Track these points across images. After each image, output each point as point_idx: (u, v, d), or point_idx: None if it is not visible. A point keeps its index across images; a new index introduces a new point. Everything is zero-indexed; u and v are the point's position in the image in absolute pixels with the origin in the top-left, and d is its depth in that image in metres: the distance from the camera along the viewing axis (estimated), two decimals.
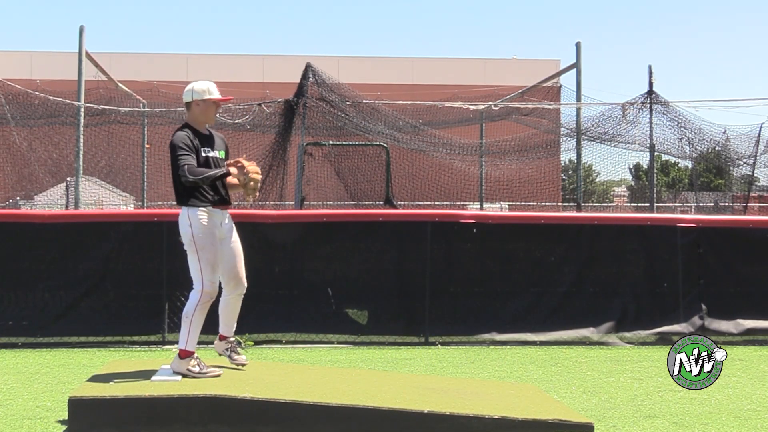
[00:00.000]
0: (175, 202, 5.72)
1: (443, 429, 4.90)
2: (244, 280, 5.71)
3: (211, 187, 5.41)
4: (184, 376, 5.26)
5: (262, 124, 13.76)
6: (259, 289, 8.55)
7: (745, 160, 16.40)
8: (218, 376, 5.33)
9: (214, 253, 5.41)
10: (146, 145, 16.12)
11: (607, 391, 6.29)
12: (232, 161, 5.50)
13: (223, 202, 5.50)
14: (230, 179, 5.46)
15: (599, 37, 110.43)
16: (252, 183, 5.49)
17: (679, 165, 44.99)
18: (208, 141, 5.49)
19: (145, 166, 16.32)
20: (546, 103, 16.16)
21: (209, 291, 5.38)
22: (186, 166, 5.22)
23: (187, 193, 5.37)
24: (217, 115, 13.44)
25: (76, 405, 4.77)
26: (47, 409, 5.51)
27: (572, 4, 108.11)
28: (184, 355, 5.33)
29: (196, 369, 5.30)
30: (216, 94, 5.52)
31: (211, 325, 8.33)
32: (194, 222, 5.36)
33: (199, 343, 5.49)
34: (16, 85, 13.86)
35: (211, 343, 8.17)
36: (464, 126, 17.41)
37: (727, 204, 19.12)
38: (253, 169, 5.50)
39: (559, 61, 24.69)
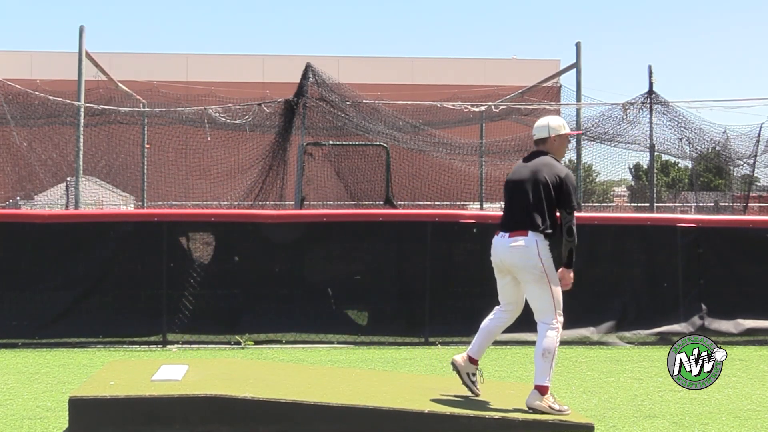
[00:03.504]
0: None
1: (444, 429, 4.90)
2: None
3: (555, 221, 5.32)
4: (543, 412, 5.10)
5: (262, 124, 13.75)
6: (259, 289, 8.60)
7: (745, 160, 16.39)
8: (568, 414, 5.16)
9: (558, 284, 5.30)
10: (146, 145, 16.11)
11: (607, 391, 6.29)
12: None
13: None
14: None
15: (599, 37, 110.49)
16: None
17: (679, 165, 44.95)
18: None
19: (145, 166, 16.30)
20: (546, 103, 16.14)
21: (562, 321, 5.28)
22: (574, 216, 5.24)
23: (542, 221, 5.23)
24: (217, 115, 13.40)
25: (77, 405, 4.77)
26: (47, 409, 5.51)
27: (572, 4, 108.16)
28: (544, 390, 5.18)
29: (556, 406, 5.14)
30: (568, 129, 5.56)
31: (217, 325, 8.32)
32: (544, 252, 5.23)
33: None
34: (16, 85, 13.84)
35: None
36: (464, 126, 17.39)
37: (727, 204, 19.10)
38: None
39: (559, 61, 24.68)
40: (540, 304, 5.25)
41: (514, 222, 5.30)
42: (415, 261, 8.64)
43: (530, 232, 5.21)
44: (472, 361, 5.42)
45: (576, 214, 5.35)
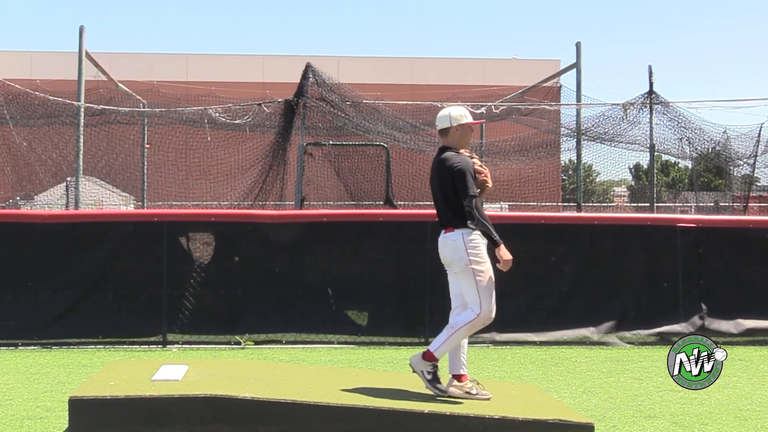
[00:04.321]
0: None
1: (444, 429, 4.90)
2: None
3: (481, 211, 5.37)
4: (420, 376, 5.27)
5: (262, 124, 13.76)
6: (259, 289, 8.60)
7: (745, 160, 16.39)
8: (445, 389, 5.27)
9: (491, 277, 5.33)
10: (146, 145, 16.12)
11: (607, 391, 6.30)
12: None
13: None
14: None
15: (599, 37, 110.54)
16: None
17: (679, 165, 44.99)
18: None
19: (145, 166, 16.32)
20: (546, 103, 16.15)
21: (486, 316, 5.30)
22: (474, 201, 5.25)
23: (460, 216, 5.30)
24: (218, 115, 13.39)
25: (77, 405, 4.77)
26: (47, 409, 5.52)
27: (572, 4, 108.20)
28: (429, 357, 5.30)
29: (429, 376, 5.27)
30: (470, 118, 5.56)
31: (217, 325, 8.28)
32: (469, 245, 5.28)
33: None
34: (16, 85, 13.85)
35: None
36: None
37: (727, 204, 19.11)
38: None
39: (559, 61, 24.65)
40: (467, 295, 5.36)
41: (442, 220, 5.47)
42: (415, 261, 8.64)
43: (456, 229, 5.34)
44: (460, 378, 5.41)
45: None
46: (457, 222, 5.33)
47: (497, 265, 5.30)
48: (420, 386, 5.62)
